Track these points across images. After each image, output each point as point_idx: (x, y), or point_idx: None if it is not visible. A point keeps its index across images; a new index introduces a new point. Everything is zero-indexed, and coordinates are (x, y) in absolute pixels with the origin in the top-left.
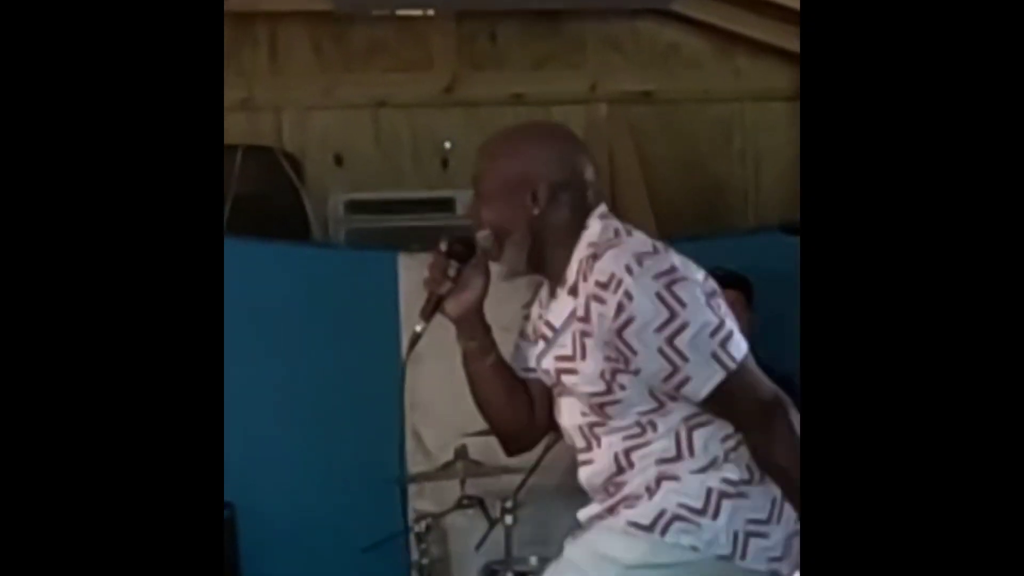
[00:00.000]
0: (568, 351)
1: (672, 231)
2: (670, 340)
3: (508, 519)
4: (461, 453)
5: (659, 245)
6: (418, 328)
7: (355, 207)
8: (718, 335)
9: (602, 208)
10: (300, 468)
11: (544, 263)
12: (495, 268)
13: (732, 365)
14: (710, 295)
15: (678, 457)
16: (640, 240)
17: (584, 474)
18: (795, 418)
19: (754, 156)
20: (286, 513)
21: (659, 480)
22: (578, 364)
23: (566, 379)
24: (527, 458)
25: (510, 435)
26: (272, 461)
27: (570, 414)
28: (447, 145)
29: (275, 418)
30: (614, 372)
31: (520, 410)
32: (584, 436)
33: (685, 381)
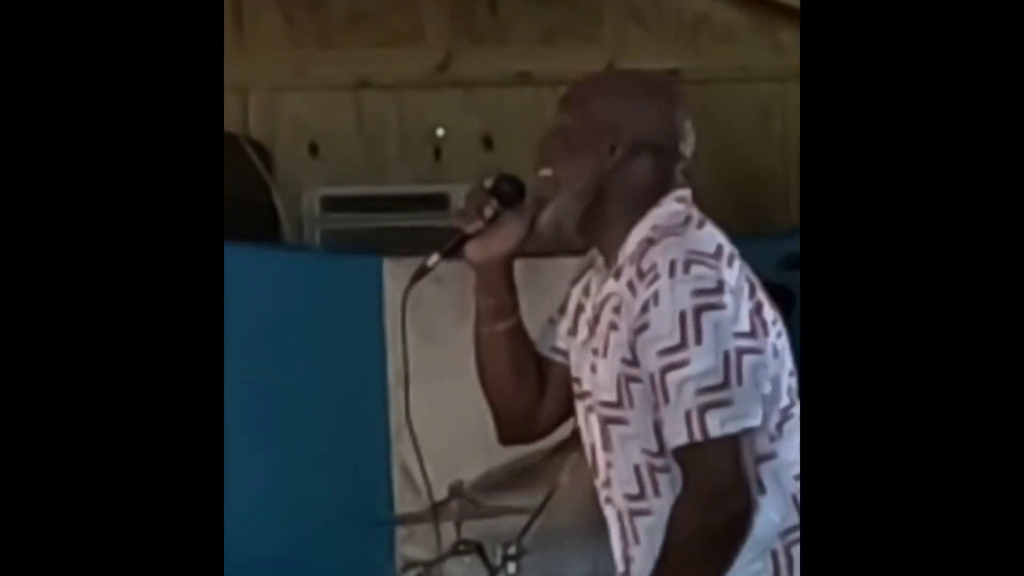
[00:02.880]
0: (599, 344)
1: None
2: (663, 372)
3: (511, 567)
4: (456, 490)
5: (727, 250)
6: (430, 262)
7: (333, 204)
8: (708, 395)
9: (683, 191)
10: (267, 508)
11: (599, 230)
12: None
13: (698, 436)
14: (750, 334)
15: None
16: (706, 237)
17: (610, 531)
18: (732, 519)
19: (797, 144)
20: (250, 559)
21: None
22: (599, 360)
23: (594, 379)
24: (533, 497)
25: (508, 418)
26: (234, 498)
27: (588, 430)
28: (440, 132)
29: (239, 449)
30: (628, 380)
31: (526, 391)
32: (598, 463)
33: (661, 424)
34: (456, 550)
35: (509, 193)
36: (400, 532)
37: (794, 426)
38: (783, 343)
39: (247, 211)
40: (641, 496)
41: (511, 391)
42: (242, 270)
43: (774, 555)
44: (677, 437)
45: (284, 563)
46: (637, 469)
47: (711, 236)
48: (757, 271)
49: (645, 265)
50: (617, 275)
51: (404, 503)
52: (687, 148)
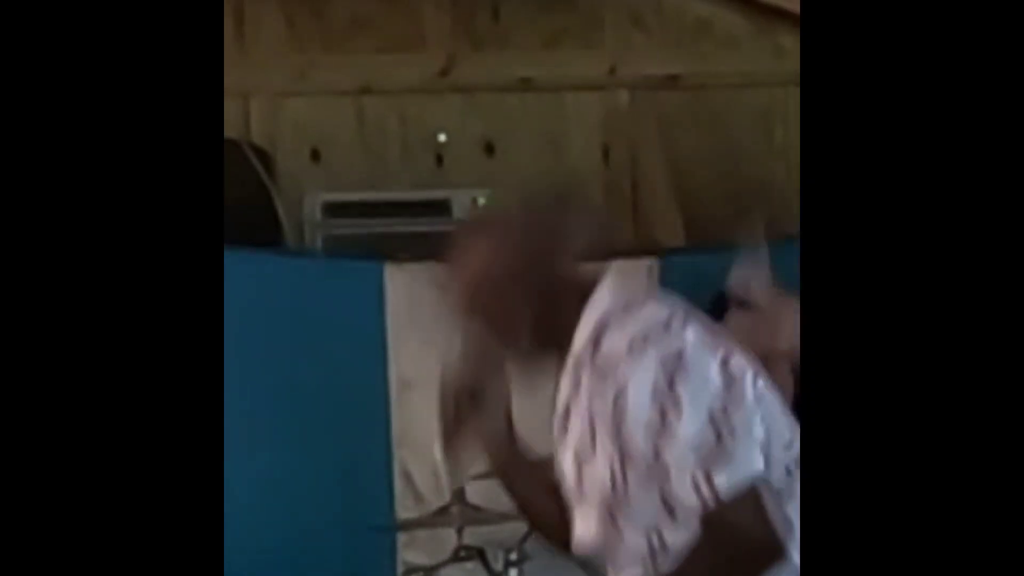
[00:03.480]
0: (583, 445)
1: (703, 238)
2: (656, 453)
3: (513, 573)
4: (458, 496)
5: (676, 315)
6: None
7: (334, 209)
8: (706, 456)
9: (611, 275)
10: (268, 513)
11: (552, 335)
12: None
13: (709, 501)
14: (726, 387)
15: None
16: (651, 313)
17: None
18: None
19: (798, 150)
20: (251, 564)
21: None
22: (587, 457)
23: (584, 475)
24: None
25: (561, 534)
26: (235, 503)
27: (585, 528)
28: (442, 138)
29: (240, 454)
30: (622, 465)
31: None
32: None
33: (670, 498)
34: (458, 556)
35: (472, 386)
36: (401, 537)
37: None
38: (762, 386)
39: (249, 216)
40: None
41: (557, 518)
42: (244, 275)
43: None
44: (693, 507)
45: (285, 568)
46: (641, 549)
47: (657, 307)
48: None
49: (600, 361)
50: (576, 370)
51: (405, 508)
52: (581, 238)
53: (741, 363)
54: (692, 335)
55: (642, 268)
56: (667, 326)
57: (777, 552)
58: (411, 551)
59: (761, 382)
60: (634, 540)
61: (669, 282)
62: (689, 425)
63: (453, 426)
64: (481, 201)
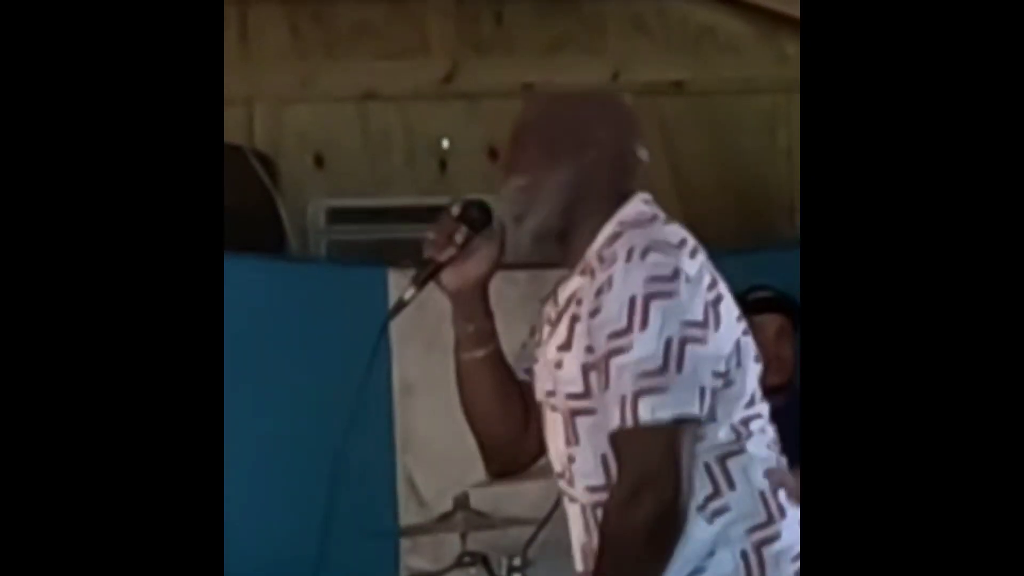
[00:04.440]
0: (563, 338)
1: (706, 242)
2: (608, 356)
3: None
4: (461, 502)
5: (691, 243)
6: (406, 296)
7: (338, 215)
8: (644, 381)
9: (646, 194)
10: (271, 518)
11: (569, 234)
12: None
13: (629, 422)
14: (700, 324)
15: None
16: (671, 232)
17: (571, 528)
18: (659, 510)
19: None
20: (253, 569)
21: None
22: (564, 355)
23: (558, 375)
24: (538, 509)
25: (495, 447)
26: (237, 508)
27: (552, 431)
28: (445, 143)
29: (242, 459)
30: (593, 368)
31: (512, 418)
32: (560, 461)
33: (601, 409)
34: (461, 562)
35: (478, 218)
36: (404, 543)
37: (764, 425)
38: (749, 341)
39: (252, 223)
40: (605, 487)
41: (497, 418)
42: (248, 281)
43: (744, 554)
44: (612, 422)
45: (288, 573)
46: (604, 459)
47: (676, 231)
48: (761, 283)
49: (607, 254)
50: (582, 272)
51: (408, 514)
52: (643, 156)
53: (736, 311)
54: (696, 264)
55: None
56: (679, 246)
57: (672, 496)
58: (414, 557)
59: (746, 336)
60: (591, 458)
61: None
62: (644, 345)
63: (439, 250)
64: None
